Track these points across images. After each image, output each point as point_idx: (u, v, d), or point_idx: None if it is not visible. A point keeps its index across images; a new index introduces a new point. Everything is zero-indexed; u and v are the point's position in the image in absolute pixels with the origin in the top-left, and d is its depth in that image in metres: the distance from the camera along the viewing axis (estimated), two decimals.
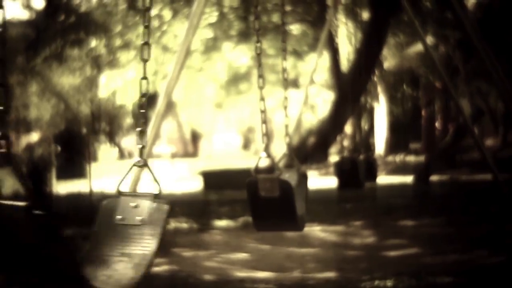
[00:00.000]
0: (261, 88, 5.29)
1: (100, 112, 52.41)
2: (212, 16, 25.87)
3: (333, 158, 30.15)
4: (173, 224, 12.42)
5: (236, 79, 32.44)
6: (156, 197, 4.07)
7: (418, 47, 32.44)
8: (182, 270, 8.39)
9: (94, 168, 16.67)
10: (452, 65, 31.13)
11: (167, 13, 24.08)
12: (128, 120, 59.59)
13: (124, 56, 27.14)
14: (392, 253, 9.40)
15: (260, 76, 5.46)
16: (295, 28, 31.20)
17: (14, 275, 3.21)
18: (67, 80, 44.75)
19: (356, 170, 13.68)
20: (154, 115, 6.86)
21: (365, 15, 25.88)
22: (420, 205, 14.28)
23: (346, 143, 32.95)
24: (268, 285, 7.49)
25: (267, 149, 5.84)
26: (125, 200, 4.14)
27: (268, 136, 5.67)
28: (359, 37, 25.48)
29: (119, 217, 3.98)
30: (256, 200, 7.27)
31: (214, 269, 8.49)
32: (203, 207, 15.51)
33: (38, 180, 14.21)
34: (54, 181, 14.68)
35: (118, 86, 29.87)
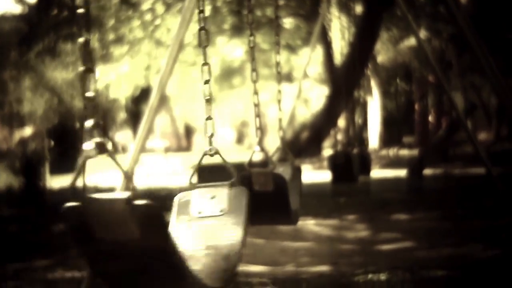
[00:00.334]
0: (254, 82, 5.28)
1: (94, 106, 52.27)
2: (205, 9, 25.82)
3: (327, 152, 30.19)
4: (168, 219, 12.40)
5: (229, 73, 32.44)
6: (233, 185, 4.03)
7: (411, 41, 32.51)
8: None
9: (87, 163, 16.62)
10: (445, 59, 31.20)
11: (160, 7, 24.04)
12: (122, 115, 59.59)
13: (118, 50, 27.11)
14: (386, 247, 9.41)
15: (254, 70, 5.46)
16: (288, 22, 31.21)
17: (118, 272, 3.07)
18: (60, 74, 44.69)
19: (350, 164, 13.69)
20: (147, 110, 6.84)
21: (358, 9, 25.90)
22: (413, 199, 14.29)
23: (339, 137, 33.03)
24: (262, 278, 7.49)
25: (260, 143, 5.82)
26: (199, 192, 4.05)
27: (261, 130, 5.66)
28: (353, 31, 25.51)
29: (196, 210, 3.86)
30: (250, 194, 7.25)
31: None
32: None
33: (31, 174, 14.19)
34: (47, 176, 14.66)
35: (112, 79, 29.82)
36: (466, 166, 20.64)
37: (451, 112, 32.56)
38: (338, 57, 30.58)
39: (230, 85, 33.38)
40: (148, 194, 18.20)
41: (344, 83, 25.27)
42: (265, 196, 7.21)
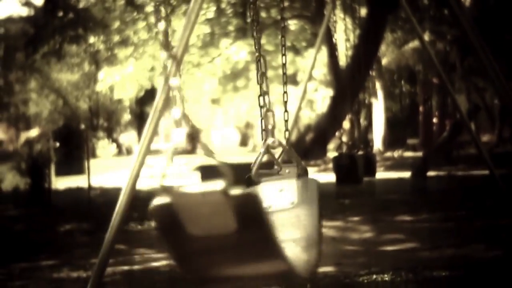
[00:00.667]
0: (260, 83, 5.34)
1: (98, 107, 52.40)
2: (210, 11, 25.89)
3: (332, 154, 30.21)
4: None
5: (233, 75, 32.45)
6: (301, 176, 4.00)
7: (416, 43, 32.52)
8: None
9: (92, 164, 16.71)
10: (449, 61, 31.21)
11: (165, 9, 24.06)
12: (126, 116, 59.62)
13: (122, 52, 27.17)
14: (390, 248, 9.45)
15: (259, 71, 5.50)
16: (293, 24, 31.24)
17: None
18: (65, 76, 44.71)
19: (355, 165, 13.72)
20: (152, 111, 6.88)
21: (364, 11, 25.94)
22: (417, 201, 14.32)
23: (344, 138, 32.95)
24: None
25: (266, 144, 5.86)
26: (266, 187, 3.98)
27: (267, 131, 5.70)
28: (357, 33, 25.51)
29: (265, 204, 3.71)
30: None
31: None
32: None
33: (37, 175, 14.26)
34: (53, 177, 14.73)
35: (116, 81, 29.85)
36: (469, 168, 20.67)
37: (455, 114, 32.59)
38: (343, 59, 30.59)
39: (234, 86, 33.38)
40: (153, 194, 18.24)
41: (349, 85, 25.30)
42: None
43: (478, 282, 7.08)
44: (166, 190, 2.82)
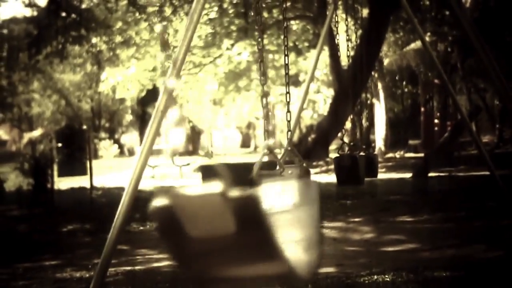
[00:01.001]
0: (263, 84, 5.35)
1: (100, 108, 52.41)
2: (212, 11, 25.91)
3: (334, 154, 30.22)
4: None
5: (236, 75, 32.45)
6: (301, 177, 3.98)
7: (417, 44, 32.52)
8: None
9: (94, 165, 16.75)
10: (450, 62, 31.24)
11: (167, 9, 24.10)
12: (128, 117, 59.60)
13: (124, 53, 27.20)
14: (391, 249, 9.48)
15: (262, 72, 5.51)
16: (295, 24, 31.24)
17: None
18: (68, 77, 44.75)
19: (356, 166, 13.75)
20: (154, 112, 6.90)
21: (366, 11, 25.96)
22: (418, 201, 14.34)
23: (346, 139, 32.93)
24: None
25: (268, 145, 5.89)
26: (267, 188, 3.98)
27: (269, 132, 5.72)
28: (359, 33, 25.47)
29: (266, 206, 3.70)
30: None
31: None
32: None
33: (40, 175, 14.31)
34: (55, 178, 14.78)
35: (118, 81, 29.86)
36: (470, 169, 20.70)
37: (456, 115, 32.61)
38: (345, 60, 30.61)
39: (236, 87, 33.39)
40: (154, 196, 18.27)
41: (350, 86, 25.31)
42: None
43: (479, 283, 7.11)
44: (166, 191, 2.83)
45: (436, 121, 41.13)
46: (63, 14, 20.39)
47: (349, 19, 26.85)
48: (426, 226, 11.39)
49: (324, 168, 24.43)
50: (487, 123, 41.20)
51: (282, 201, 3.83)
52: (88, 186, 16.23)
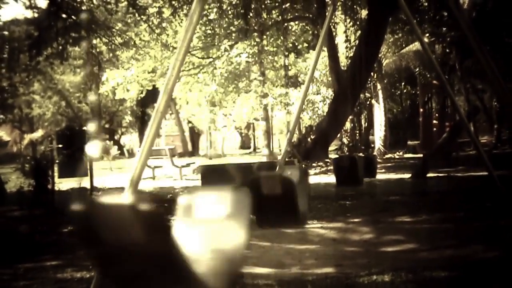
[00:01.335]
0: (262, 85, 5.38)
1: (100, 109, 52.43)
2: (212, 12, 25.94)
3: (333, 155, 30.24)
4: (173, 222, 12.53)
5: (235, 76, 32.46)
6: (235, 189, 4.06)
7: (416, 45, 32.56)
8: None
9: (94, 166, 16.78)
10: (448, 63, 31.28)
11: (167, 10, 24.14)
12: (127, 118, 59.61)
13: (124, 54, 27.24)
14: (390, 249, 9.51)
15: (262, 73, 5.54)
16: (294, 25, 31.26)
17: (120, 272, 3.09)
18: (68, 78, 44.75)
19: (355, 167, 13.81)
20: (154, 113, 6.93)
21: (364, 12, 26.00)
22: (417, 202, 14.38)
23: (345, 140, 33.04)
24: (268, 280, 7.59)
25: (268, 146, 5.93)
26: (202, 195, 4.06)
27: (269, 133, 5.76)
28: (358, 34, 25.50)
29: (200, 213, 3.84)
30: (259, 197, 7.35)
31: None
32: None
33: (40, 176, 14.34)
34: (56, 178, 14.81)
35: (119, 82, 29.92)
36: (468, 169, 20.75)
37: (454, 116, 32.65)
38: (344, 61, 30.65)
39: (236, 88, 33.40)
40: (154, 196, 18.35)
41: (350, 87, 25.36)
42: (273, 199, 7.32)
43: (478, 283, 7.15)
44: (85, 197, 3.09)
45: (434, 122, 41.21)
46: (64, 15, 20.42)
47: (348, 20, 26.94)
48: (425, 226, 11.42)
49: (323, 169, 24.44)
50: (485, 124, 41.30)
51: (215, 211, 3.92)
52: (88, 187, 16.28)
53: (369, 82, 31.72)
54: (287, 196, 6.58)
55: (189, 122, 51.08)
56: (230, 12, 26.08)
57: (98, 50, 24.07)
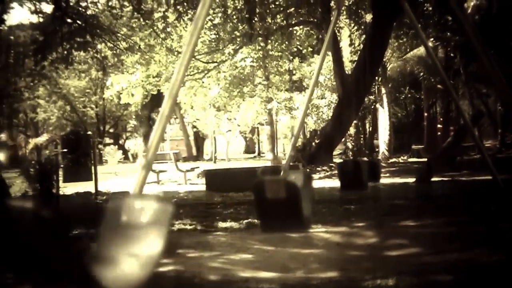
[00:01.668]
0: (267, 90, 5.41)
1: (105, 114, 52.54)
2: (216, 17, 26.00)
3: (338, 159, 30.25)
4: (178, 226, 12.57)
5: (240, 80, 32.52)
6: (160, 199, 4.21)
7: (420, 50, 32.58)
8: (187, 270, 8.50)
9: (99, 170, 16.82)
10: (453, 68, 31.29)
11: (171, 15, 24.20)
12: (132, 122, 59.68)
13: (129, 59, 27.30)
14: (394, 253, 9.52)
15: (266, 78, 5.58)
16: (299, 29, 31.30)
17: (22, 273, 3.23)
18: (73, 82, 44.85)
19: (359, 171, 13.81)
20: (158, 118, 6.94)
21: (369, 17, 26.03)
22: (421, 206, 14.38)
23: (350, 144, 33.01)
24: (272, 285, 7.61)
25: (273, 151, 5.97)
26: (130, 202, 4.20)
27: (274, 138, 5.80)
28: (363, 39, 25.52)
29: (125, 218, 4.01)
30: (263, 202, 7.36)
31: (219, 270, 8.61)
32: (207, 209, 15.64)
33: (45, 180, 14.35)
34: (60, 183, 14.81)
35: (123, 87, 29.99)
36: (473, 173, 20.73)
37: (458, 120, 32.65)
38: (349, 65, 30.68)
39: (240, 92, 33.45)
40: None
41: (354, 91, 25.40)
42: (277, 204, 7.33)
43: (482, 286, 7.16)
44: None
45: (439, 126, 41.22)
46: (69, 20, 20.49)
47: (352, 25, 26.94)
48: (429, 230, 11.42)
49: (328, 173, 24.45)
50: (489, 128, 41.26)
51: (138, 217, 4.05)
52: (93, 191, 16.30)
53: (373, 86, 31.80)
54: (291, 201, 6.59)
55: (194, 126, 51.11)
56: (234, 17, 26.13)
57: (103, 55, 24.12)
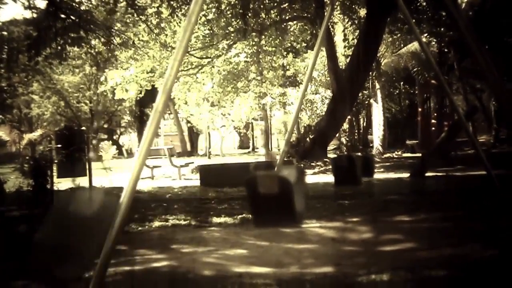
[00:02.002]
0: (261, 85, 5.42)
1: (99, 109, 52.49)
2: (210, 12, 25.96)
3: (332, 154, 30.25)
4: (172, 221, 12.56)
5: (234, 76, 32.49)
6: (109, 192, 4.28)
7: (415, 45, 32.61)
8: (181, 265, 8.49)
9: (93, 166, 16.80)
10: (447, 63, 31.34)
11: (165, 10, 24.16)
12: (126, 118, 59.66)
13: (123, 54, 27.26)
14: (389, 248, 9.52)
15: (260, 73, 5.58)
16: (292, 25, 31.29)
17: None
18: (67, 78, 44.82)
19: (353, 166, 13.84)
20: (152, 113, 6.93)
21: (363, 12, 26.04)
22: (416, 201, 14.39)
23: (344, 140, 33.05)
24: (266, 280, 7.60)
25: (267, 146, 5.99)
26: (81, 193, 4.26)
27: (267, 133, 5.81)
28: (357, 34, 25.51)
29: (77, 208, 4.06)
30: (256, 197, 7.36)
31: (213, 265, 8.60)
32: (201, 204, 15.63)
33: (39, 176, 14.32)
34: (54, 178, 14.77)
35: (117, 82, 29.94)
36: (467, 168, 20.77)
37: (452, 115, 32.69)
38: (343, 60, 30.69)
39: (234, 88, 33.41)
40: (153, 195, 18.37)
41: (348, 86, 25.41)
42: (270, 199, 7.33)
43: (476, 282, 7.16)
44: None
45: (433, 121, 41.29)
46: (62, 16, 20.43)
47: (346, 20, 26.94)
48: (424, 225, 11.43)
49: (322, 168, 24.46)
50: (483, 123, 41.36)
51: (87, 208, 4.15)
52: (87, 186, 16.29)
53: (367, 81, 31.84)
54: (284, 196, 6.60)
55: (188, 122, 51.11)
56: (228, 12, 26.10)
57: (97, 50, 24.06)
